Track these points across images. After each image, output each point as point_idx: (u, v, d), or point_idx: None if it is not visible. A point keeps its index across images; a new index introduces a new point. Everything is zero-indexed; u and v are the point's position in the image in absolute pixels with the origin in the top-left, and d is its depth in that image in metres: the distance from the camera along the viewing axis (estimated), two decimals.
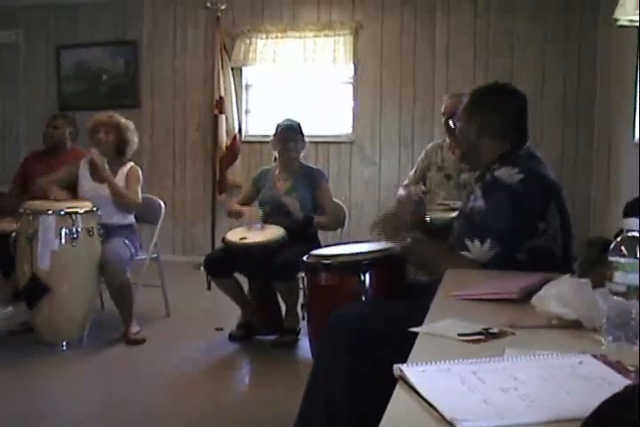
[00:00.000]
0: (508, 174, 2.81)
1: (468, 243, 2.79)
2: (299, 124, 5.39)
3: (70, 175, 5.44)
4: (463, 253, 2.80)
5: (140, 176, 5.51)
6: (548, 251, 2.84)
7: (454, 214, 3.52)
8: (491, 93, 3.13)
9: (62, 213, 4.84)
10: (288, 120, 5.44)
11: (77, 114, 6.64)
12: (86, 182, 5.39)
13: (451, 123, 4.77)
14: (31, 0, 8.54)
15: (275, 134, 5.39)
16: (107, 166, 5.30)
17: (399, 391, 1.39)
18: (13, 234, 4.98)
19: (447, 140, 5.19)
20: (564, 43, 7.25)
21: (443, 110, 5.11)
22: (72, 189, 5.40)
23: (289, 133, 5.31)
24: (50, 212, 4.83)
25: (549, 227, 2.82)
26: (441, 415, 1.24)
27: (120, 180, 5.37)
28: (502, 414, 1.25)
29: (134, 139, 5.51)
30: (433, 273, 3.03)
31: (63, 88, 8.77)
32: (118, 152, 5.44)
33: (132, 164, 5.51)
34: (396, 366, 1.46)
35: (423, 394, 1.33)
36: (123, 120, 5.47)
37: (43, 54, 8.78)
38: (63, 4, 8.59)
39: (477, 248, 2.76)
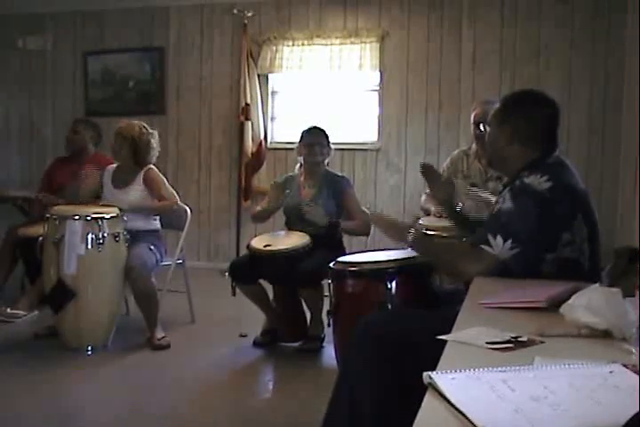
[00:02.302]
0: (537, 182, 2.80)
1: (491, 238, 2.78)
2: (324, 130, 5.37)
3: (96, 184, 5.48)
4: (484, 247, 2.80)
5: (161, 175, 5.52)
6: (574, 262, 2.82)
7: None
8: (524, 101, 3.10)
9: (89, 218, 4.87)
10: (314, 126, 5.44)
11: (104, 120, 6.68)
12: (109, 189, 5.44)
13: (481, 127, 4.75)
14: (59, 7, 8.60)
15: (300, 140, 5.38)
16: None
17: (429, 399, 1.38)
18: (40, 239, 5.01)
19: (473, 147, 5.17)
20: (591, 51, 7.21)
21: (473, 119, 5.06)
22: (97, 196, 5.44)
23: (315, 137, 5.30)
24: (76, 217, 4.85)
25: (576, 237, 2.81)
26: (472, 424, 1.24)
27: (137, 186, 5.41)
28: (533, 423, 1.25)
29: (150, 151, 5.47)
30: (448, 270, 3.04)
31: (90, 94, 8.81)
32: (135, 161, 5.45)
33: (148, 166, 5.50)
34: (425, 374, 1.46)
35: (454, 402, 1.33)
36: (139, 132, 5.42)
37: (70, 60, 8.84)
38: (90, 10, 8.64)
39: (500, 245, 2.76)
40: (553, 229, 2.80)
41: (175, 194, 5.47)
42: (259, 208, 5.43)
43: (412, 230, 3.16)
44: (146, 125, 5.52)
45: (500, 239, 2.76)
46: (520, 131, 2.98)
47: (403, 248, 3.73)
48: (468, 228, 3.56)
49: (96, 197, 5.46)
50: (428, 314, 2.80)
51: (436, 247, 3.21)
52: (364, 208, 5.45)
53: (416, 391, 1.44)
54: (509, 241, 2.74)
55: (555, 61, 7.32)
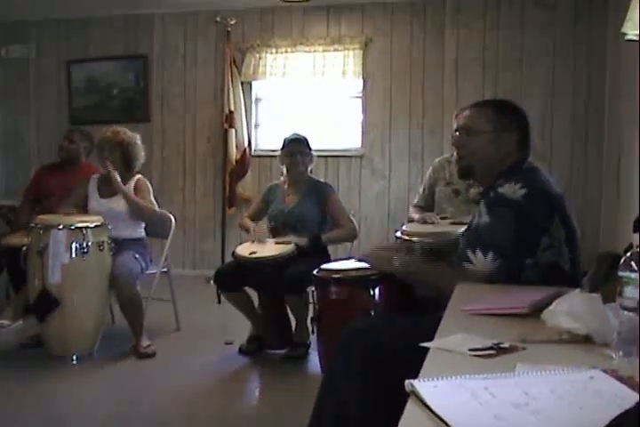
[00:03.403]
0: (512, 190, 2.82)
1: (470, 254, 2.81)
2: (305, 138, 5.39)
3: (81, 194, 5.47)
4: (466, 265, 2.81)
5: (149, 186, 5.54)
6: (555, 265, 2.84)
7: (461, 230, 3.52)
8: (512, 108, 3.11)
9: (73, 227, 4.86)
10: (295, 134, 5.45)
11: (88, 128, 6.67)
12: (95, 198, 5.43)
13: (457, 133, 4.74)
14: (42, 15, 8.58)
15: (282, 148, 5.39)
16: (118, 178, 5.32)
17: (411, 407, 1.39)
18: (24, 248, 5.00)
19: (455, 155, 5.18)
20: (574, 57, 7.26)
21: (456, 126, 5.06)
22: (83, 206, 5.43)
23: (296, 146, 5.32)
24: (60, 226, 4.85)
25: (554, 241, 2.82)
26: None
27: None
28: None
29: (140, 153, 5.53)
30: (438, 291, 3.04)
31: (74, 102, 8.80)
32: (125, 167, 5.46)
33: (138, 176, 5.54)
34: (407, 382, 1.46)
35: (435, 409, 1.33)
36: (127, 136, 5.47)
37: (54, 68, 8.82)
38: (74, 18, 8.63)
39: (480, 260, 2.77)
40: (532, 235, 2.81)
41: (157, 206, 5.48)
42: (246, 221, 5.42)
43: (397, 257, 3.17)
44: (126, 130, 5.54)
45: (480, 254, 2.78)
46: (505, 139, 2.99)
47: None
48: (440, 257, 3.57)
49: (82, 207, 5.45)
50: (412, 320, 2.80)
51: (421, 273, 3.20)
52: (349, 215, 5.46)
53: (402, 398, 1.45)
54: (490, 254, 2.76)
55: (538, 66, 7.36)
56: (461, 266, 2.83)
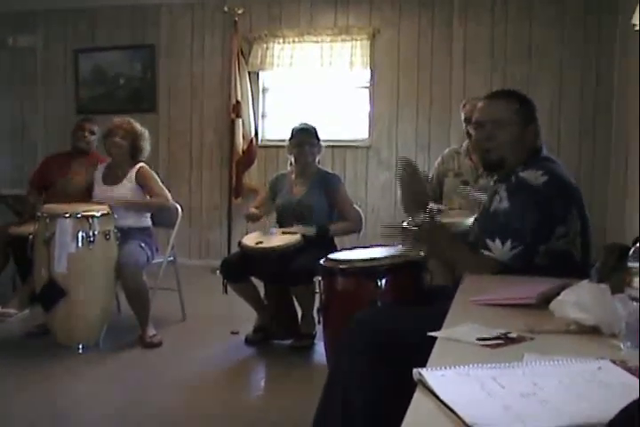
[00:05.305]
0: (533, 176, 2.83)
1: (490, 242, 2.81)
2: (314, 128, 5.37)
3: (89, 180, 5.49)
4: (485, 252, 2.81)
5: (154, 173, 5.54)
6: (567, 254, 2.85)
7: (470, 221, 3.51)
8: (528, 100, 3.11)
9: (79, 216, 4.85)
10: (303, 124, 5.43)
11: (95, 117, 6.66)
12: (99, 185, 5.45)
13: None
14: (50, 4, 8.57)
15: (290, 138, 5.38)
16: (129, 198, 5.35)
17: (419, 396, 1.39)
18: (30, 237, 5.00)
19: (464, 145, 5.17)
20: (582, 51, 7.22)
21: (463, 116, 5.07)
22: (88, 193, 5.44)
23: (304, 137, 5.30)
24: (67, 215, 4.84)
25: (569, 230, 2.84)
26: (461, 420, 1.24)
27: (128, 183, 5.41)
28: (522, 420, 1.25)
29: (147, 146, 5.55)
30: (451, 268, 3.04)
31: (81, 92, 8.80)
32: (131, 157, 5.47)
33: (140, 164, 5.52)
34: (415, 371, 1.46)
35: (443, 398, 1.33)
36: (138, 127, 5.51)
37: (61, 58, 8.82)
38: (81, 8, 8.63)
39: (499, 248, 2.78)
40: (550, 223, 2.82)
41: (167, 192, 5.47)
42: (252, 209, 5.41)
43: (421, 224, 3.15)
44: (136, 122, 5.57)
45: (498, 242, 2.79)
46: (535, 126, 3.01)
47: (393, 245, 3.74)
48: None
49: (87, 195, 5.46)
50: (419, 312, 2.80)
51: (445, 249, 3.16)
52: (354, 206, 5.45)
53: (409, 391, 1.44)
54: (509, 241, 2.77)
55: (546, 62, 7.34)
56: (480, 253, 2.83)
